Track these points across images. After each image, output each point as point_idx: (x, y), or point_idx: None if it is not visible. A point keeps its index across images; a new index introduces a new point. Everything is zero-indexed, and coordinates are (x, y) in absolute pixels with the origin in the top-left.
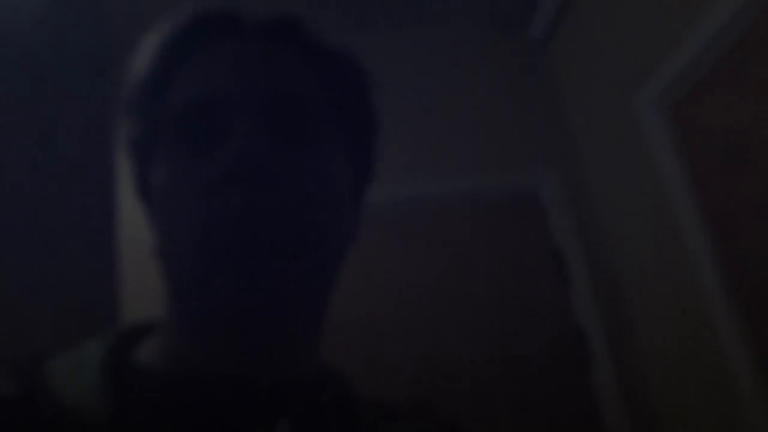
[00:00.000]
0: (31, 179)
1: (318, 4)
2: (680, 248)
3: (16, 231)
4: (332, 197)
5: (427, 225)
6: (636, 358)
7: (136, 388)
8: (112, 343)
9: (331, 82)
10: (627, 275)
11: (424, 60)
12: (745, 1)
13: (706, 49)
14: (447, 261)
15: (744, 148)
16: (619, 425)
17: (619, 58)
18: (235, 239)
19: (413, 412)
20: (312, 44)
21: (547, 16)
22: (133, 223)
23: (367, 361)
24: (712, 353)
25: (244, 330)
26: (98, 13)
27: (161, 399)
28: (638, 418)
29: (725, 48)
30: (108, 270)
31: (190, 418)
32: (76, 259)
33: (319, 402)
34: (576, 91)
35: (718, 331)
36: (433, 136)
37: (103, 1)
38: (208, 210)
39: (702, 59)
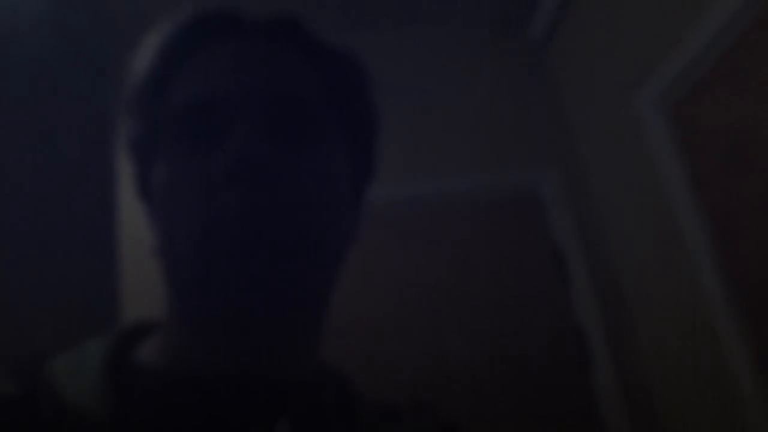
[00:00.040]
0: (32, 179)
1: (318, 4)
2: (680, 248)
3: (16, 231)
4: (332, 197)
5: (427, 225)
6: (636, 358)
7: (136, 388)
8: (113, 342)
9: (332, 82)
10: (627, 275)
11: (424, 60)
12: (745, 1)
13: (706, 49)
14: (447, 261)
15: (744, 148)
16: (619, 425)
17: (619, 58)
18: (235, 239)
19: (413, 412)
20: (312, 44)
21: (547, 16)
22: (134, 223)
23: (367, 361)
24: (712, 353)
25: (245, 329)
26: (98, 13)
27: (162, 398)
28: (638, 418)
29: (725, 48)
30: (108, 270)
31: (190, 418)
32: (77, 259)
33: (319, 402)
34: (576, 91)
35: (718, 331)
36: (433, 135)
37: (103, 1)
38: (209, 209)
39: (702, 59)
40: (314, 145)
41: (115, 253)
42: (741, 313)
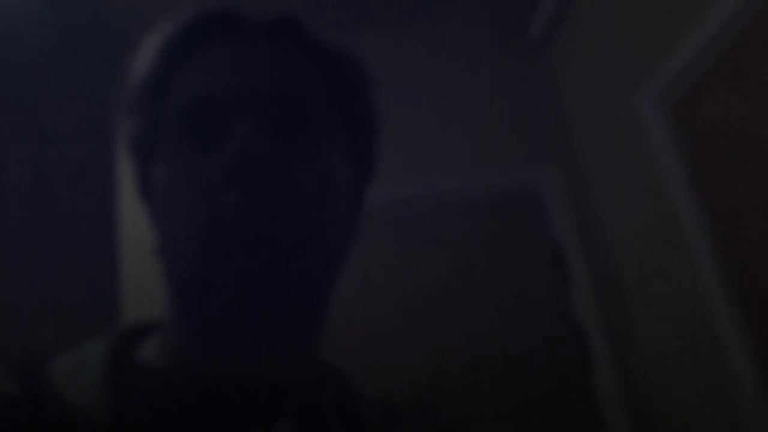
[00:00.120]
0: (32, 179)
1: (318, 4)
2: (680, 247)
3: (17, 231)
4: (333, 196)
5: (427, 225)
6: (636, 358)
7: (137, 388)
8: (114, 342)
9: (332, 82)
10: (627, 274)
11: (424, 60)
12: (745, 1)
13: (705, 49)
14: (447, 260)
15: (744, 148)
16: (619, 425)
17: (619, 58)
18: (236, 238)
19: (413, 412)
20: (312, 44)
21: (547, 16)
22: (134, 223)
23: (367, 361)
24: (712, 353)
25: (245, 329)
26: (98, 13)
27: (162, 398)
28: (638, 418)
29: (725, 48)
30: (109, 270)
31: (191, 418)
32: (77, 259)
33: (319, 401)
34: (576, 91)
35: (718, 331)
36: (433, 135)
37: (103, 1)
38: (209, 209)
39: (702, 59)
40: (315, 145)
41: (116, 253)
42: (741, 313)
